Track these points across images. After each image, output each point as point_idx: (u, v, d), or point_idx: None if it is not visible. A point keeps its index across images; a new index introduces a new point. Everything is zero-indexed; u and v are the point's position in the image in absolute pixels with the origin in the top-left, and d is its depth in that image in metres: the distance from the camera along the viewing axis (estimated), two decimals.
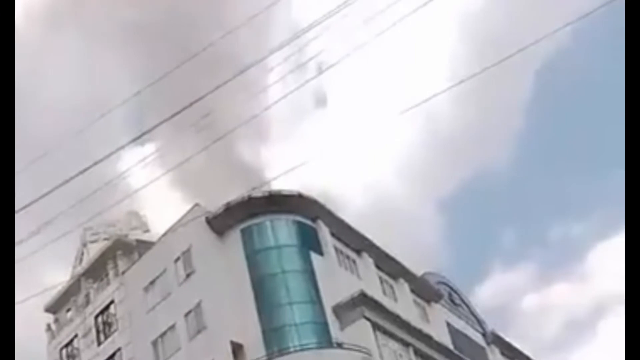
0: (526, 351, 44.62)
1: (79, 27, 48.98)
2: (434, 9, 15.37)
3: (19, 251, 18.13)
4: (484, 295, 69.40)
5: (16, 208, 16.55)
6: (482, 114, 57.88)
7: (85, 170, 16.69)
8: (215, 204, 32.55)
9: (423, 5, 14.97)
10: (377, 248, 36.29)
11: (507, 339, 43.71)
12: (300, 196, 32.86)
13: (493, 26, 59.05)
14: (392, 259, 37.29)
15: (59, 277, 37.32)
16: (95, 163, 16.84)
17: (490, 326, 43.05)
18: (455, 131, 58.92)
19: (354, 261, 35.32)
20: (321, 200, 33.92)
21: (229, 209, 32.24)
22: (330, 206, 34.37)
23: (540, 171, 76.51)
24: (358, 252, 35.65)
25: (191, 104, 16.76)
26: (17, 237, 17.63)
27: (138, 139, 17.92)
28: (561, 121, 73.46)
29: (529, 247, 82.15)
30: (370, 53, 16.50)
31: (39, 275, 31.96)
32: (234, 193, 32.60)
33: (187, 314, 31.83)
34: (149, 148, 20.38)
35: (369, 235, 35.90)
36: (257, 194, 32.10)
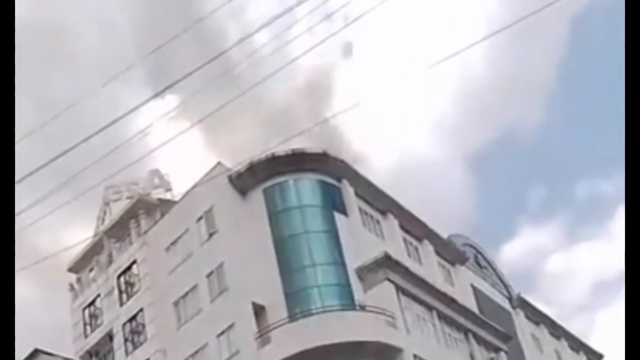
0: (552, 315, 44.08)
1: None
2: None
3: (41, 209, 17.83)
4: (511, 255, 68.73)
5: (38, 165, 16.25)
6: (514, 69, 56.61)
7: (107, 126, 16.16)
8: (240, 161, 32.02)
9: None
10: (402, 209, 35.70)
11: (533, 303, 43.17)
12: (324, 155, 32.24)
13: None
14: (418, 220, 36.72)
15: (82, 235, 37.12)
16: (117, 119, 16.34)
17: (516, 289, 42.50)
18: (487, 87, 57.72)
19: (378, 222, 34.79)
20: (347, 159, 33.26)
21: (252, 167, 31.69)
22: (356, 165, 33.77)
23: (570, 128, 75.12)
24: (383, 212, 35.09)
25: (216, 57, 16.15)
26: (39, 194, 17.32)
27: (161, 93, 17.41)
28: (593, 77, 71.76)
29: (556, 205, 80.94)
30: (401, 5, 15.67)
31: (62, 234, 31.75)
32: (260, 149, 31.95)
33: (209, 275, 31.50)
34: (171, 101, 19.82)
35: (394, 195, 35.31)
36: (281, 152, 31.49)
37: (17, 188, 16.92)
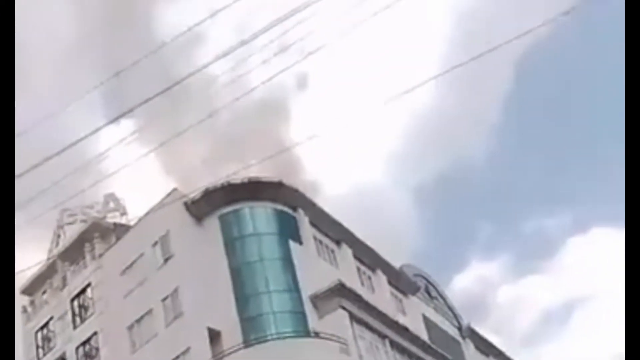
0: (500, 345, 44.94)
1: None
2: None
3: None
4: (461, 286, 69.86)
5: None
6: (463, 106, 58.24)
7: (62, 151, 16.55)
8: (195, 189, 32.40)
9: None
10: (356, 239, 36.32)
11: (482, 334, 43.98)
12: (280, 184, 32.78)
13: (478, 18, 59.20)
14: (371, 250, 37.35)
15: (36, 258, 36.88)
16: (72, 144, 16.72)
17: (466, 320, 43.27)
18: (436, 122, 59.20)
19: (332, 251, 35.33)
20: (302, 187, 33.88)
21: (208, 194, 32.09)
22: (311, 194, 34.34)
23: (516, 164, 77.11)
24: (337, 242, 35.68)
25: (173, 85, 16.65)
26: None
27: (116, 120, 17.82)
28: (538, 115, 74.04)
29: (504, 239, 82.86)
30: (355, 41, 16.42)
31: (16, 256, 31.59)
32: (216, 176, 32.45)
33: (164, 299, 31.65)
34: (127, 125, 20.23)
35: (348, 225, 35.91)
36: (237, 180, 31.94)
37: None
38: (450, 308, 42.93)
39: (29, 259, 36.61)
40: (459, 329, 42.59)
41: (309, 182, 35.58)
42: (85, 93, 19.94)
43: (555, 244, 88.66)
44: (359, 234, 36.43)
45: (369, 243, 37.07)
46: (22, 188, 16.66)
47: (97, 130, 17.60)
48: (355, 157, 58.49)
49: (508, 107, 74.01)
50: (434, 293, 41.89)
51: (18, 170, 16.39)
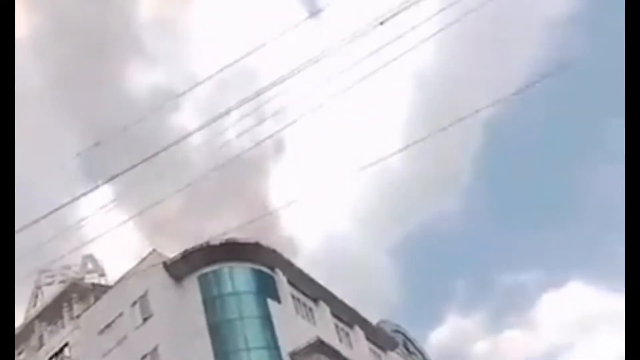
0: None
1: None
2: (391, 71, 16.09)
3: None
4: (439, 341, 69.96)
5: None
6: (433, 167, 59.58)
7: (42, 217, 16.99)
8: (174, 250, 32.80)
9: (381, 67, 15.74)
10: (333, 296, 36.67)
11: None
12: (257, 245, 33.24)
13: (445, 84, 60.85)
14: (348, 307, 37.66)
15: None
16: (53, 211, 17.17)
17: None
18: (407, 182, 60.39)
19: (310, 309, 35.63)
20: (279, 248, 34.32)
21: (187, 255, 32.50)
22: (287, 254, 34.78)
23: (488, 222, 78.45)
24: (315, 300, 36.00)
25: (154, 155, 17.19)
26: None
27: (97, 187, 18.31)
28: (507, 173, 75.71)
29: (480, 294, 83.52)
30: (329, 111, 17.14)
31: None
32: (193, 240, 32.94)
33: (143, 358, 31.67)
34: (106, 189, 20.70)
35: (325, 283, 36.33)
36: (215, 241, 32.41)
37: None
38: None
39: None
40: None
41: (286, 240, 36.09)
42: (64, 161, 20.55)
43: (531, 299, 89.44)
44: (336, 291, 36.83)
45: (346, 300, 37.41)
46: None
47: (77, 198, 18.14)
48: (331, 216, 59.47)
49: (478, 168, 75.55)
50: (412, 348, 42.11)
51: None
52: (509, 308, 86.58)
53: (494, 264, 77.67)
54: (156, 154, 17.18)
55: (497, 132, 73.19)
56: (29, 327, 36.75)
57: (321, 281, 36.06)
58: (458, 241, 76.71)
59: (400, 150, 18.18)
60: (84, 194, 17.96)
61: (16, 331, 36.67)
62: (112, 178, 18.09)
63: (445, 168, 63.07)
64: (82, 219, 18.07)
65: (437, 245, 74.60)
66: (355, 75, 15.75)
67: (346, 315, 37.61)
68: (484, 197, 77.27)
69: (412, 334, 42.99)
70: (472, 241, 75.86)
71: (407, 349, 41.62)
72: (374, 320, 39.46)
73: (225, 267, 32.99)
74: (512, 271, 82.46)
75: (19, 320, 37.00)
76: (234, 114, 16.65)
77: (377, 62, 15.55)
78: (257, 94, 16.36)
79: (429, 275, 76.49)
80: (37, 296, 37.47)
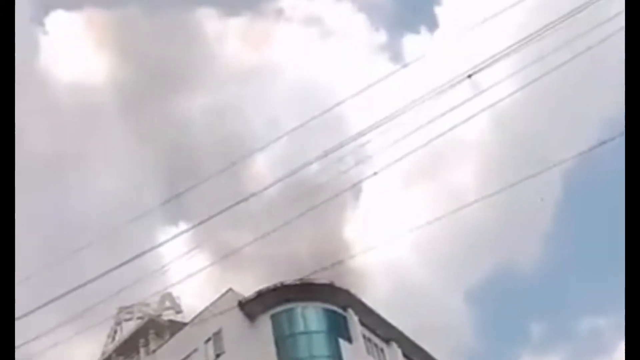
0: None
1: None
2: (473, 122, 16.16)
3: (60, 333, 19.03)
4: None
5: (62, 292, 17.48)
6: (511, 214, 59.04)
7: (125, 263, 17.61)
8: (249, 289, 33.31)
9: (459, 124, 15.91)
10: (406, 337, 36.45)
11: None
12: (331, 286, 33.42)
13: (525, 133, 60.33)
14: (420, 349, 37.34)
15: (92, 352, 37.93)
16: (136, 256, 17.79)
17: None
18: (484, 229, 59.84)
19: (382, 349, 35.49)
20: (352, 289, 34.41)
21: (261, 294, 32.93)
22: (360, 294, 34.80)
23: (565, 268, 76.93)
24: (387, 340, 35.86)
25: (236, 203, 17.67)
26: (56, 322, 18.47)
27: (182, 233, 18.88)
28: (586, 221, 74.24)
29: (556, 339, 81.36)
30: (407, 163, 17.38)
31: (73, 349, 32.58)
32: (269, 280, 33.44)
33: None
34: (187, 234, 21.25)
35: (397, 324, 36.14)
36: (289, 281, 32.80)
37: (38, 313, 18.15)
38: None
39: (85, 352, 37.73)
40: None
41: (360, 281, 36.22)
42: (148, 210, 21.24)
43: (609, 345, 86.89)
44: (409, 332, 36.60)
45: (418, 342, 37.13)
46: (91, 291, 17.72)
47: (161, 245, 18.75)
48: (406, 259, 59.39)
49: (556, 216, 74.35)
50: None
51: (87, 277, 17.53)
52: (586, 354, 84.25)
53: (571, 309, 75.85)
54: (237, 203, 17.73)
55: (576, 182, 72.10)
56: None
57: (394, 322, 35.91)
58: (535, 286, 75.58)
59: (481, 199, 18.36)
60: (167, 241, 18.63)
61: None
62: (196, 225, 18.74)
63: (523, 216, 62.51)
64: (165, 265, 18.75)
65: (513, 290, 73.56)
66: (440, 126, 16.00)
67: (418, 357, 37.29)
68: (562, 243, 76.05)
69: None
70: (550, 286, 74.64)
71: None
72: None
73: (298, 307, 33.28)
74: (590, 316, 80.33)
75: (97, 354, 38.07)
76: (315, 160, 17.07)
77: (460, 115, 15.76)
78: (341, 144, 16.79)
79: (504, 319, 75.32)
80: (115, 332, 38.46)
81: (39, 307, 17.64)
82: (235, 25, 59.11)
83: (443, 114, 15.48)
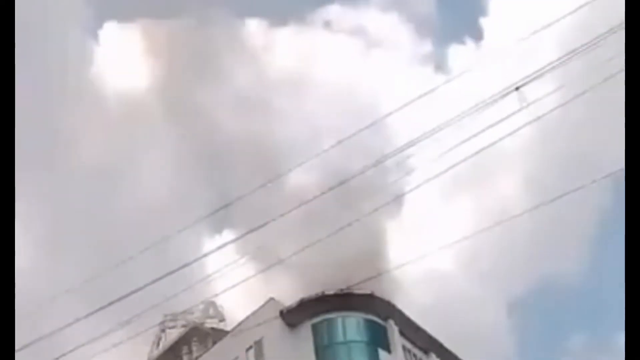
0: None
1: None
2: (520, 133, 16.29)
3: (106, 342, 19.50)
4: None
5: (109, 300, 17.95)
6: (559, 224, 58.46)
7: (172, 272, 18.05)
8: (291, 298, 33.67)
9: (504, 136, 16.08)
10: (445, 348, 36.46)
11: None
12: (371, 296, 33.60)
13: (573, 143, 59.79)
14: None
15: (137, 357, 38.50)
16: (182, 266, 18.24)
17: None
18: (530, 239, 59.33)
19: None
20: (392, 299, 34.55)
21: (302, 304, 33.28)
22: (401, 305, 34.90)
23: (611, 279, 75.80)
24: (426, 351, 35.93)
25: (280, 216, 18.03)
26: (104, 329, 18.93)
27: (224, 246, 19.30)
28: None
29: (597, 352, 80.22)
30: (450, 175, 17.59)
31: (120, 355, 33.14)
32: (309, 291, 33.73)
33: None
34: (229, 236, 21.65)
35: (437, 335, 36.18)
36: (330, 291, 33.09)
37: (87, 321, 18.62)
38: None
39: (130, 358, 38.34)
40: None
41: (401, 291, 36.36)
42: (196, 220, 21.69)
43: None
44: (448, 343, 36.60)
45: (457, 353, 37.11)
46: (137, 300, 18.17)
47: (206, 255, 19.18)
48: (448, 270, 59.26)
49: (605, 221, 73.30)
50: None
51: (135, 285, 18.01)
52: None
53: (614, 320, 74.75)
54: (286, 214, 18.08)
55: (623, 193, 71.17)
56: None
57: (433, 332, 35.96)
58: (580, 298, 74.61)
59: (526, 212, 18.56)
60: (212, 251, 19.07)
61: None
62: (242, 235, 19.14)
63: (570, 224, 61.86)
64: (210, 275, 19.18)
65: (557, 302, 72.79)
66: (484, 139, 16.18)
67: None
68: (609, 252, 75.04)
69: None
70: (594, 298, 73.66)
71: None
72: None
73: (338, 317, 33.55)
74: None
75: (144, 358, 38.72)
76: (360, 172, 17.37)
77: (505, 128, 15.93)
78: (385, 157, 17.09)
79: (546, 331, 74.57)
80: (160, 339, 39.03)
81: (88, 315, 18.17)
82: (283, 36, 59.79)
83: (490, 126, 15.68)
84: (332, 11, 67.19)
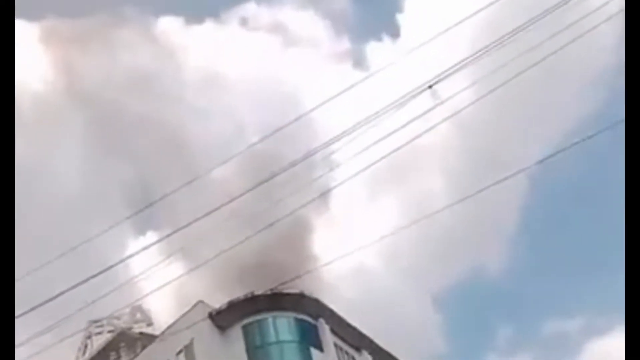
0: None
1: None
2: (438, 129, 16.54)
3: (28, 349, 18.92)
4: None
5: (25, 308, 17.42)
6: (477, 219, 59.78)
7: (96, 275, 17.61)
8: (219, 300, 33.36)
9: (422, 133, 16.30)
10: (376, 345, 36.76)
11: None
12: (302, 295, 33.64)
13: (492, 137, 61.08)
14: (391, 356, 37.67)
15: None
16: (109, 267, 17.81)
17: None
18: (451, 233, 60.44)
19: (353, 357, 35.77)
20: (321, 298, 34.65)
21: (232, 306, 33.04)
22: (330, 303, 35.04)
23: (531, 271, 77.92)
24: (357, 348, 36.16)
25: (205, 215, 17.81)
26: (25, 336, 18.38)
27: (149, 247, 18.95)
28: (555, 223, 75.31)
29: (523, 343, 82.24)
30: (373, 171, 17.71)
31: None
32: (238, 291, 33.51)
33: None
34: (152, 237, 21.32)
35: (367, 331, 36.45)
36: (260, 292, 32.94)
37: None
38: None
39: None
40: None
41: (329, 289, 36.48)
42: (116, 218, 21.18)
43: (574, 347, 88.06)
44: (379, 340, 36.91)
45: (388, 349, 37.46)
46: (57, 305, 17.69)
47: (131, 256, 18.78)
48: (374, 267, 59.76)
49: (523, 219, 75.22)
50: None
51: (55, 291, 17.49)
52: (552, 357, 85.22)
53: (536, 313, 76.81)
54: (207, 214, 17.87)
55: (543, 182, 73.05)
56: None
57: (364, 330, 36.21)
58: (502, 290, 76.30)
59: (447, 207, 18.82)
60: (137, 253, 18.67)
61: None
62: (166, 237, 18.80)
63: (489, 221, 63.17)
64: (135, 277, 18.75)
65: (480, 295, 74.27)
66: (405, 134, 16.37)
67: None
68: (528, 247, 76.99)
69: None
70: (515, 290, 75.45)
71: None
72: None
73: (269, 317, 33.44)
74: (555, 319, 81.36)
75: None
76: (285, 169, 17.32)
77: (426, 123, 16.14)
78: (308, 154, 17.09)
79: (471, 324, 76.01)
80: (86, 346, 38.16)
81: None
82: (199, 34, 59.33)
83: (408, 123, 15.88)
84: (248, 9, 67.20)
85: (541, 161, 17.29)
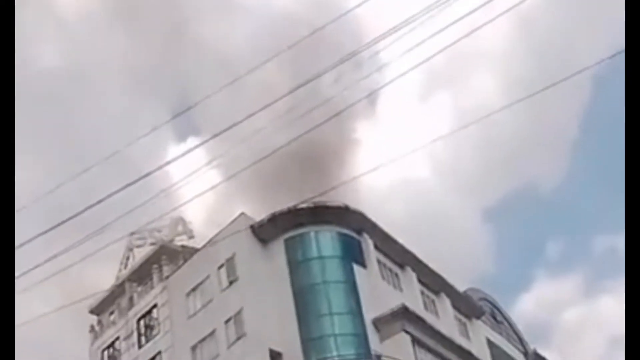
0: None
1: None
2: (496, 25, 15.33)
3: (69, 257, 18.50)
4: (527, 308, 68.39)
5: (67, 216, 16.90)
6: (536, 125, 57.24)
7: (135, 182, 16.88)
8: (262, 213, 32.78)
9: (486, 24, 15.02)
10: (421, 262, 36.11)
11: (548, 359, 43.11)
12: (345, 208, 32.88)
13: (552, 40, 58.13)
14: (435, 274, 37.07)
15: (105, 278, 37.78)
16: (145, 175, 17.05)
17: (531, 344, 42.51)
18: (509, 140, 58.23)
19: (396, 274, 35.21)
20: (367, 211, 33.86)
21: (274, 218, 32.43)
22: (375, 217, 34.25)
23: (589, 183, 75.28)
24: (401, 265, 35.53)
25: (247, 117, 16.88)
26: (69, 243, 17.93)
27: (187, 153, 18.13)
28: (617, 134, 72.34)
29: (574, 259, 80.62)
30: (426, 67, 16.60)
31: (86, 274, 32.36)
32: (283, 203, 32.83)
33: (227, 321, 31.90)
34: (196, 153, 20.57)
35: (413, 248, 35.75)
36: (303, 204, 32.19)
37: (50, 235, 17.64)
38: (516, 332, 42.25)
39: (98, 278, 37.61)
40: (525, 353, 41.86)
41: (375, 203, 35.61)
42: (156, 126, 20.38)
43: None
44: (424, 257, 36.22)
45: (433, 266, 36.80)
46: (97, 214, 17.12)
47: (170, 162, 17.99)
48: (424, 178, 58.10)
49: (584, 126, 72.28)
50: (499, 318, 41.29)
51: (94, 198, 16.89)
52: (604, 273, 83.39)
53: (590, 228, 74.61)
54: (248, 117, 16.91)
55: (605, 89, 69.59)
56: (119, 288, 37.63)
57: (409, 246, 35.48)
58: (556, 203, 74.19)
59: (506, 107, 17.60)
60: (176, 159, 17.87)
61: (107, 292, 37.71)
62: (203, 143, 17.93)
63: (549, 126, 60.57)
64: (174, 184, 18.02)
65: (533, 207, 72.23)
66: (459, 31, 15.11)
67: (433, 282, 37.06)
68: (586, 157, 74.14)
69: (500, 299, 42.13)
70: (571, 204, 73.22)
71: (495, 318, 40.83)
72: (462, 287, 38.77)
73: (311, 231, 32.83)
74: (610, 234, 78.95)
75: (111, 281, 37.93)
76: (329, 69, 16.23)
77: (481, 17, 14.86)
78: (353, 53, 15.90)
79: (522, 237, 74.48)
80: (128, 258, 38.21)
81: (44, 232, 17.06)
82: None
83: (461, 18, 14.64)
84: None
85: (601, 62, 15.97)
